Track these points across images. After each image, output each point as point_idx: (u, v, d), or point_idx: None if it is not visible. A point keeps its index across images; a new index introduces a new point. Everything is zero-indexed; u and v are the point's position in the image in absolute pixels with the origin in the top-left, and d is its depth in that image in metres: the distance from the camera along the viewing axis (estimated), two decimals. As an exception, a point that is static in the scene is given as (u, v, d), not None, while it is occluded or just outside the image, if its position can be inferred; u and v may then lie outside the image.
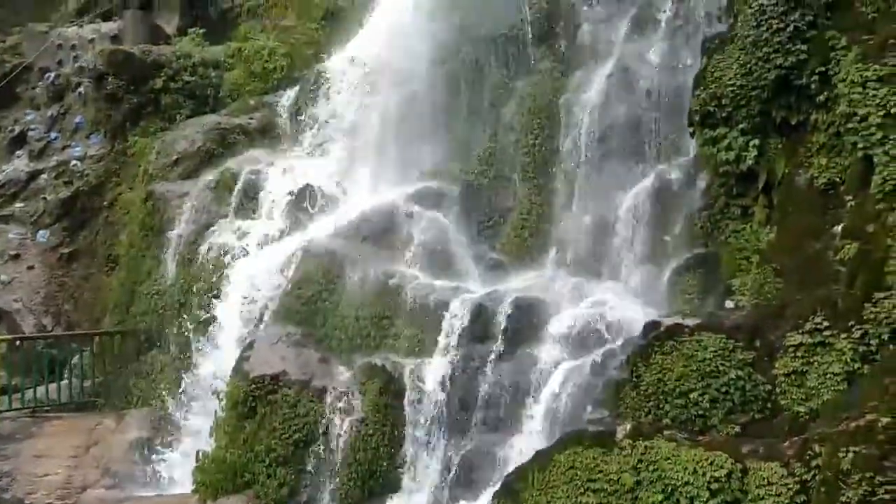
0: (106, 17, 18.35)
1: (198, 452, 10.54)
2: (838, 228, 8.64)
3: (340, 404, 10.04)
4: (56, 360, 13.38)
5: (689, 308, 9.54)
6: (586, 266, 11.16)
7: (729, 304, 9.43)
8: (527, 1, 13.08)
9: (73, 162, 16.06)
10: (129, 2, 18.32)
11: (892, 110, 8.14)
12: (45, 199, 16.03)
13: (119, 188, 15.67)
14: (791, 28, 9.29)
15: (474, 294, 10.52)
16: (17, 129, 17.12)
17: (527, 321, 9.93)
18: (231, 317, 11.88)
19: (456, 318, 10.11)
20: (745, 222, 9.90)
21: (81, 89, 16.74)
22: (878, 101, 8.27)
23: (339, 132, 13.92)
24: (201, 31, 17.33)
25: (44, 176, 16.29)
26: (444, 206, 12.35)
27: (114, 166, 15.88)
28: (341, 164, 13.57)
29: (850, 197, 8.68)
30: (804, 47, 9.26)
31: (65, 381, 13.23)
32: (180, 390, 11.92)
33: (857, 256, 8.22)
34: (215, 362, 11.64)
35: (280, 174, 13.50)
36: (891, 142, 8.08)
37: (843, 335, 7.92)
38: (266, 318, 11.58)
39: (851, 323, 7.94)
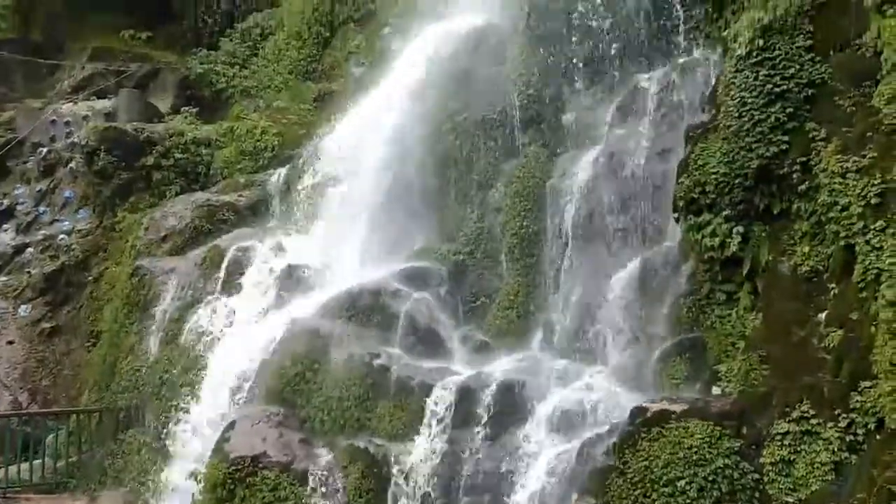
0: (101, 95, 18.66)
1: (174, 538, 10.24)
2: (822, 316, 8.68)
3: (322, 488, 9.81)
4: (31, 439, 13.07)
5: (676, 393, 9.47)
6: (573, 349, 11.12)
7: (716, 390, 9.38)
8: (515, 87, 13.36)
9: (61, 236, 16.08)
10: (125, 81, 18.69)
11: (873, 201, 8.28)
12: (29, 273, 15.97)
13: (105, 263, 15.65)
14: (772, 119, 9.52)
15: (460, 376, 10.43)
16: (6, 202, 17.19)
17: (512, 405, 9.82)
18: (213, 396, 11.71)
19: (441, 400, 10.00)
20: (730, 308, 9.92)
21: (73, 164, 16.89)
22: (858, 191, 8.43)
23: (328, 211, 14.01)
24: (195, 110, 17.66)
25: (30, 250, 16.27)
26: (431, 285, 12.35)
27: (101, 241, 15.90)
28: (329, 243, 13.61)
29: (834, 285, 8.76)
30: (785, 138, 9.47)
31: (38, 461, 12.90)
32: (156, 471, 11.62)
33: (841, 344, 8.24)
34: (194, 443, 11.39)
35: (268, 252, 13.52)
36: (871, 231, 8.19)
37: (830, 424, 7.89)
38: (248, 397, 11.40)
39: (838, 411, 7.93)
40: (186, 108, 17.66)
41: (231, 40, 19.63)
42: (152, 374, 12.78)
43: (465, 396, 9.95)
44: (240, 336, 12.31)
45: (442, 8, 14.91)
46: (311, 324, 11.69)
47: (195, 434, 11.59)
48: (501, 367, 10.79)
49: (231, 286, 13.21)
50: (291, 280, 12.86)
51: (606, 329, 10.85)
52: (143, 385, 12.84)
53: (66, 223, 16.29)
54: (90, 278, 15.75)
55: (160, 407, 12.26)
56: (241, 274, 13.26)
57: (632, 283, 10.72)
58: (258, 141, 16.31)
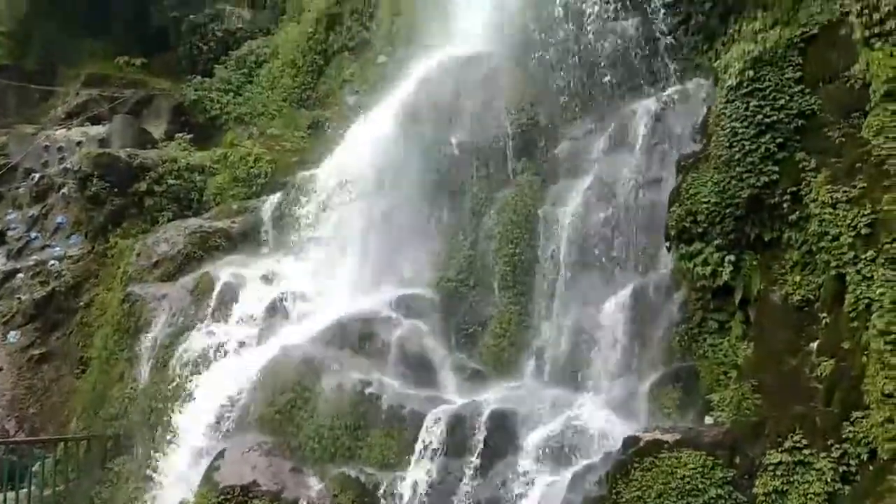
0: (95, 121, 18.69)
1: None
2: (814, 345, 8.70)
3: (312, 518, 9.72)
4: (17, 467, 12.90)
5: (669, 422, 9.44)
6: (565, 377, 11.08)
7: (708, 419, 9.36)
8: (508, 115, 13.45)
9: (52, 262, 16.00)
10: (119, 107, 18.74)
11: (863, 231, 8.34)
12: (19, 299, 15.85)
13: (96, 289, 15.54)
14: (762, 149, 9.60)
15: (452, 405, 10.39)
16: (-2, 227, 17.12)
17: (504, 434, 9.78)
18: (203, 423, 11.59)
19: (433, 429, 9.94)
20: (722, 337, 9.93)
21: (65, 190, 16.85)
22: (848, 221, 8.48)
23: (321, 238, 14.01)
24: (188, 136, 17.68)
25: (20, 275, 16.16)
26: (423, 313, 12.32)
27: (92, 267, 15.81)
28: (321, 270, 13.59)
29: (825, 314, 8.78)
30: (775, 168, 9.54)
31: (24, 490, 12.72)
32: (145, 501, 11.49)
33: (833, 374, 8.26)
34: (184, 471, 11.27)
35: (260, 279, 13.50)
36: (862, 261, 8.23)
37: (823, 454, 7.88)
38: (238, 425, 11.31)
39: (830, 442, 7.92)
40: (180, 135, 17.68)
41: (226, 67, 19.72)
42: (142, 401, 12.68)
43: (458, 425, 9.90)
44: (230, 363, 12.24)
45: (436, 37, 15.04)
46: (302, 351, 11.64)
47: (184, 462, 11.45)
48: (494, 395, 10.76)
49: (222, 313, 13.15)
50: (283, 307, 12.81)
51: (599, 357, 10.84)
52: (133, 413, 12.73)
53: (58, 249, 16.22)
54: (81, 304, 15.62)
55: (149, 435, 12.14)
56: (233, 301, 13.21)
57: (624, 311, 10.72)
58: (251, 167, 16.33)
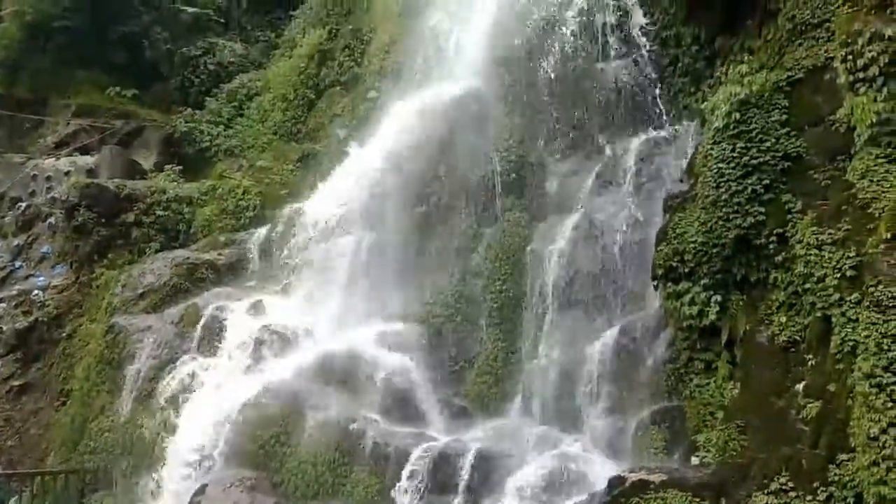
0: (84, 151, 18.67)
1: None
2: (800, 387, 8.69)
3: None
4: (-8, 501, 12.67)
5: (655, 462, 9.38)
6: (551, 415, 11.03)
7: (694, 460, 9.31)
8: (496, 152, 13.53)
9: (35, 292, 15.86)
10: (109, 137, 18.74)
11: (848, 273, 8.38)
12: (1, 329, 15.67)
13: (80, 320, 15.40)
14: (749, 191, 9.68)
15: (437, 442, 10.31)
16: (-19, 257, 16.98)
17: (490, 473, 9.69)
18: (184, 458, 11.43)
19: (417, 467, 9.83)
20: (709, 377, 9.92)
21: (51, 220, 16.78)
22: (833, 263, 8.54)
23: (308, 272, 13.96)
24: (178, 167, 17.68)
25: (3, 305, 15.99)
26: (409, 349, 12.26)
27: (77, 297, 15.68)
28: (308, 304, 13.53)
29: (811, 356, 8.79)
30: (762, 209, 9.61)
31: (0, 524, 12.49)
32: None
33: (819, 416, 8.24)
34: (164, 507, 11.11)
35: (245, 311, 13.41)
36: (847, 303, 8.27)
37: (809, 497, 7.86)
38: (220, 460, 11.16)
39: (816, 484, 7.89)
40: (169, 166, 17.69)
41: (217, 100, 19.81)
42: (122, 434, 12.50)
43: (442, 463, 9.81)
44: (214, 397, 12.09)
45: (427, 74, 15.17)
46: (287, 386, 11.54)
47: (165, 498, 11.27)
48: (479, 433, 10.68)
49: (207, 346, 13.04)
50: (268, 341, 12.71)
51: (585, 396, 10.80)
52: (113, 446, 12.54)
53: (42, 279, 16.10)
54: (63, 335, 15.47)
55: (129, 469, 11.95)
56: (219, 333, 13.11)
57: (611, 350, 10.71)
58: (240, 200, 16.33)
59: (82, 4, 19.96)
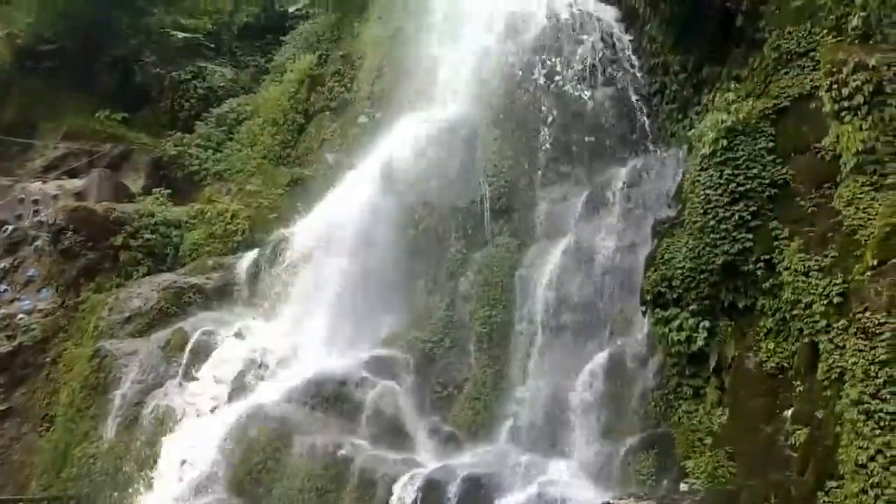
0: (73, 174, 18.59)
1: None
2: (788, 413, 8.70)
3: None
4: (-27, 528, 12.48)
5: (643, 489, 9.34)
6: (540, 441, 10.97)
7: (683, 486, 9.27)
8: (486, 177, 13.58)
9: (20, 315, 15.71)
10: (97, 161, 18.68)
11: (835, 300, 8.43)
12: (-16, 353, 15.50)
13: (65, 344, 15.24)
14: (736, 217, 9.74)
15: (425, 469, 10.22)
16: (-33, 279, 16.82)
17: (478, 499, 9.62)
18: (170, 484, 11.30)
19: (405, 493, 9.76)
20: (697, 403, 9.91)
21: (38, 243, 16.67)
22: (820, 290, 8.58)
23: (296, 296, 13.91)
24: (166, 191, 17.64)
25: (-14, 329, 15.84)
26: (397, 374, 12.21)
27: (62, 322, 15.53)
28: (295, 329, 13.46)
29: (799, 382, 8.81)
30: (749, 236, 9.67)
31: (-21, 552, 12.29)
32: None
33: (807, 443, 8.24)
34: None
35: (233, 336, 13.34)
36: (834, 330, 8.30)
37: (798, 525, 7.80)
38: (207, 486, 11.03)
39: (806, 512, 7.85)
40: (158, 189, 17.65)
41: (206, 124, 19.81)
42: (107, 460, 12.35)
43: (431, 490, 9.73)
44: (201, 422, 11.99)
45: (416, 99, 15.25)
46: (274, 411, 11.45)
47: (148, 525, 11.14)
48: (467, 459, 10.61)
49: (194, 370, 12.94)
50: (256, 365, 12.63)
51: (574, 422, 10.76)
52: (96, 472, 12.37)
53: (27, 302, 15.96)
54: (48, 360, 15.29)
55: (113, 495, 11.79)
56: (205, 358, 13.02)
57: (600, 375, 10.70)
58: (228, 224, 16.30)
59: (73, 28, 19.99)
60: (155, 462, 11.70)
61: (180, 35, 21.23)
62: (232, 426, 11.42)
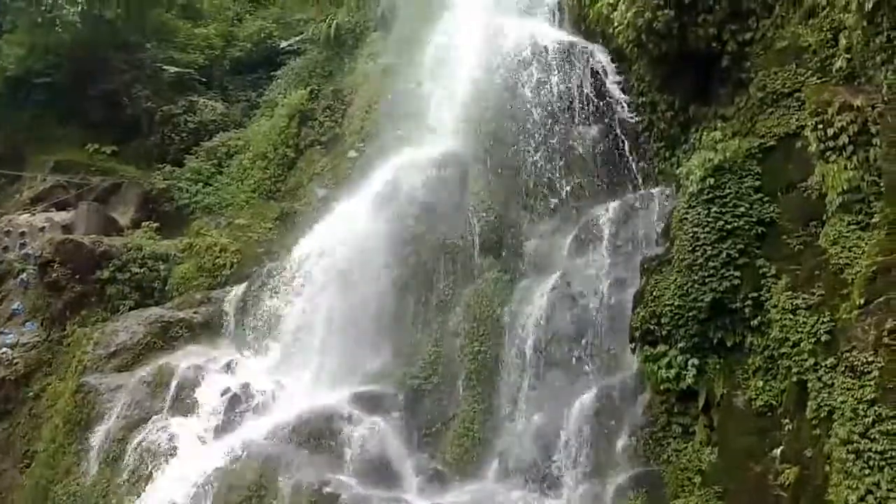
0: (61, 206, 18.53)
1: None
2: (777, 452, 8.68)
3: None
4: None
5: (633, 530, 9.26)
6: (529, 479, 10.88)
7: (673, 526, 9.20)
8: (475, 213, 13.61)
9: (3, 349, 15.54)
10: (86, 193, 18.64)
11: (823, 338, 8.45)
12: (-34, 388, 15.30)
13: (49, 379, 15.07)
14: (724, 255, 9.79)
15: (411, 508, 10.10)
16: (-50, 314, 16.66)
17: (466, 539, 9.49)
18: (152, 523, 11.13)
19: (391, 533, 9.62)
20: (686, 441, 9.87)
21: (24, 276, 16.56)
22: (808, 328, 8.61)
23: (284, 331, 13.83)
24: (155, 224, 17.59)
25: (-31, 363, 15.63)
26: (385, 410, 12.11)
27: (46, 356, 15.37)
28: (283, 364, 13.37)
29: (788, 421, 8.79)
30: (737, 273, 9.72)
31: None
32: None
33: (797, 482, 8.21)
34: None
35: (219, 371, 13.22)
36: (823, 368, 8.31)
37: (789, 566, 7.73)
38: (190, 525, 10.86)
39: (796, 553, 7.78)
40: (147, 223, 17.61)
41: (196, 157, 19.82)
42: (89, 498, 12.14)
43: (417, 529, 9.59)
44: (185, 458, 11.82)
45: (406, 135, 15.32)
46: (260, 448, 11.32)
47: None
48: (456, 497, 10.50)
49: (180, 406, 12.78)
50: (242, 401, 12.50)
51: (563, 460, 10.68)
52: (78, 510, 12.17)
53: (11, 336, 15.79)
54: (31, 394, 15.11)
55: (94, 534, 11.59)
56: (191, 393, 12.87)
57: (589, 413, 10.65)
58: (217, 258, 16.23)
59: (64, 61, 20.06)
60: (139, 500, 11.51)
61: (172, 69, 21.33)
62: (217, 464, 11.26)
